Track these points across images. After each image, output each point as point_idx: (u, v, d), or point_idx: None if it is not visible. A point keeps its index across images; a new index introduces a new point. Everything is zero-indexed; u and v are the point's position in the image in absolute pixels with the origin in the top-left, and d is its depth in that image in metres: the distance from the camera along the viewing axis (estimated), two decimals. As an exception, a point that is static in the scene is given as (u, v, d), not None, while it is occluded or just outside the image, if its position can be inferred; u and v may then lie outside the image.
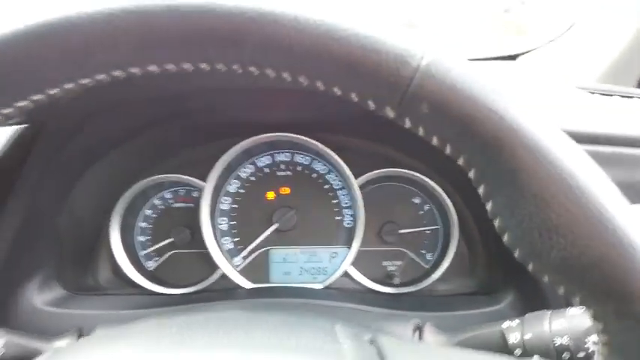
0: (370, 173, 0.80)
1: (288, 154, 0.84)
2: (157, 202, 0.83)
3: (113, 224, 0.79)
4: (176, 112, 0.70)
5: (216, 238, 0.82)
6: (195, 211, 0.81)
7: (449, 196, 0.79)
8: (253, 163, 0.84)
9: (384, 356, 0.31)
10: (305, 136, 0.79)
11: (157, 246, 0.83)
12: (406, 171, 0.79)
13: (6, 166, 0.61)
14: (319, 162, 0.84)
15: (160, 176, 0.80)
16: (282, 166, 0.84)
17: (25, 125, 0.59)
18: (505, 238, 0.28)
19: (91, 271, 0.80)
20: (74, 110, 0.61)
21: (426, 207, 0.83)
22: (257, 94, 0.65)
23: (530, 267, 0.27)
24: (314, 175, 0.84)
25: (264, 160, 0.84)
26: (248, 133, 0.80)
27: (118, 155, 0.73)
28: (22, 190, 0.64)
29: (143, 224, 0.84)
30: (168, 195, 0.84)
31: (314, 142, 0.79)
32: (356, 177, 0.80)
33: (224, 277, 0.81)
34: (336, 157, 0.79)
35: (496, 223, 0.28)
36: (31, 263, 0.68)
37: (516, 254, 0.27)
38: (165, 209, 0.83)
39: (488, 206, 0.28)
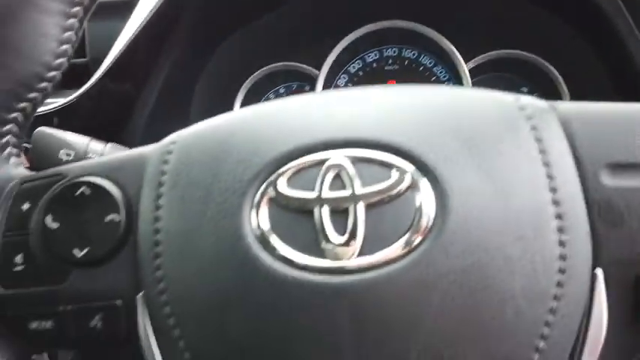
0: (480, 57, 0.81)
1: (395, 48, 0.87)
2: (271, 96, 0.89)
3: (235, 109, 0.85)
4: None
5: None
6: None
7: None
8: (362, 59, 0.88)
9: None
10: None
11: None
12: (518, 52, 0.80)
13: (154, 33, 0.67)
14: (426, 55, 0.86)
15: (278, 64, 0.85)
16: (390, 61, 0.88)
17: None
18: None
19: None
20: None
21: (535, 95, 0.84)
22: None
23: None
24: (421, 69, 0.86)
25: (372, 56, 0.88)
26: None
27: (245, 35, 0.79)
28: (166, 58, 0.71)
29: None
30: (282, 90, 0.89)
31: (424, 27, 0.81)
32: (465, 63, 0.82)
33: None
34: (446, 42, 0.81)
35: None
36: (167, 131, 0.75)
37: None
38: (280, 103, 0.89)
39: None
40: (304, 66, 0.85)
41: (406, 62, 0.87)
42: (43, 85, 0.38)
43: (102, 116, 0.69)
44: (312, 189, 0.30)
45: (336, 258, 0.28)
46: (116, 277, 0.33)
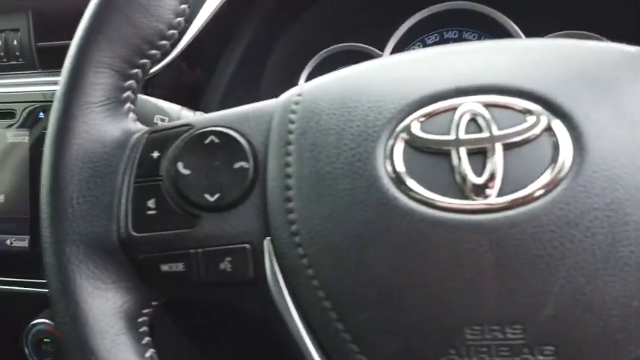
0: (544, 37, 0.81)
1: (456, 31, 0.88)
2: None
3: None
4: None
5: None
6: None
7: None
8: (422, 41, 0.89)
9: None
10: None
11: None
12: (583, 32, 0.80)
13: (226, 19, 0.69)
14: (488, 37, 0.86)
15: (342, 45, 0.86)
16: (450, 43, 0.88)
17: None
18: None
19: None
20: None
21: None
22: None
23: None
24: (482, 51, 0.87)
25: (432, 38, 0.89)
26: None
27: (310, 17, 0.80)
28: (237, 43, 0.73)
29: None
30: (342, 71, 0.90)
31: (486, 7, 0.82)
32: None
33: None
34: (509, 22, 0.81)
35: None
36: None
37: None
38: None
39: None
40: (368, 47, 0.86)
41: (467, 45, 0.87)
42: (163, 42, 0.39)
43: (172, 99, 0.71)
44: (446, 133, 0.30)
45: (475, 198, 0.29)
46: (245, 222, 0.34)
